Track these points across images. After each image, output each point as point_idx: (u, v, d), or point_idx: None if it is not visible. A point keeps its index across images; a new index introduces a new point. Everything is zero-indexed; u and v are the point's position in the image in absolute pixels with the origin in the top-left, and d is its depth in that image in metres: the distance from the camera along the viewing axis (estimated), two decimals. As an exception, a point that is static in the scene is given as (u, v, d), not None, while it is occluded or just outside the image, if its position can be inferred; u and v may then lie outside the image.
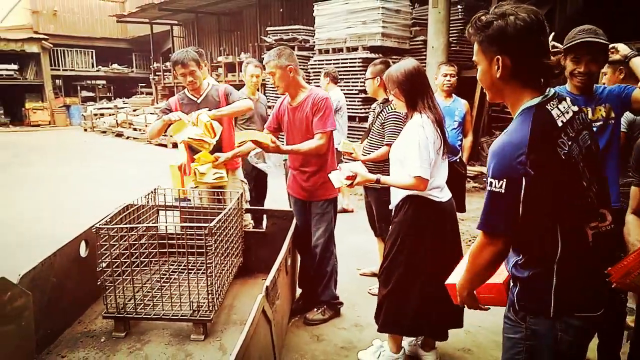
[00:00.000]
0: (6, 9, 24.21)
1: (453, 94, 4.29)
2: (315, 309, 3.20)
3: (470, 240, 5.01)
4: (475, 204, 6.12)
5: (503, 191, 1.36)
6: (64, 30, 22.05)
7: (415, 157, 2.30)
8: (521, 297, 1.48)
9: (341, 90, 8.17)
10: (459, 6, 8.69)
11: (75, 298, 2.66)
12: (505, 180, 1.36)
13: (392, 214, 2.61)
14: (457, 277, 1.74)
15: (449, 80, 4.16)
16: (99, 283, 2.45)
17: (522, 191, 1.33)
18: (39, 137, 16.33)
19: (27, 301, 2.18)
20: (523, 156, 1.33)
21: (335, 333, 3.07)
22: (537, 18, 1.37)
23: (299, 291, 3.44)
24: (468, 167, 4.95)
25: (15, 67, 20.51)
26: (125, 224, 2.69)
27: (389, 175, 2.57)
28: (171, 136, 3.30)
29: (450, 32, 7.66)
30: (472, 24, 1.45)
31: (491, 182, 1.39)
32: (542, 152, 1.34)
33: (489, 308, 1.72)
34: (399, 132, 2.67)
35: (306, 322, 3.15)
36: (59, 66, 21.89)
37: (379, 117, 3.39)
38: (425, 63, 7.72)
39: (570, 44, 2.27)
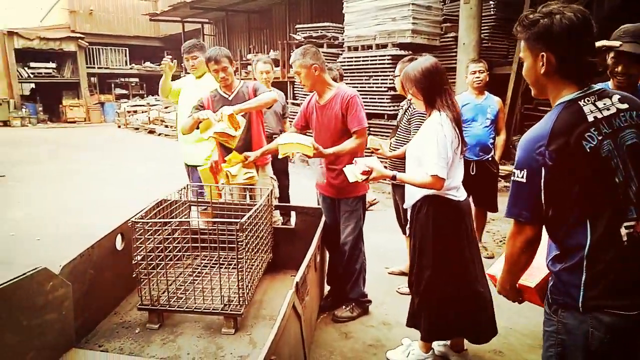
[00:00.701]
0: (46, 10, 25.06)
1: (485, 91, 4.22)
2: (344, 307, 3.21)
3: (501, 241, 4.93)
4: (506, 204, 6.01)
5: (524, 181, 1.46)
6: (99, 29, 22.68)
7: (433, 155, 2.28)
8: (553, 291, 1.54)
9: (369, 87, 8.20)
10: (491, 2, 8.53)
11: (111, 290, 2.74)
12: (526, 170, 1.46)
13: (409, 213, 2.60)
14: (497, 267, 1.82)
15: (478, 77, 4.11)
16: (134, 275, 2.52)
17: (542, 181, 1.43)
18: (75, 133, 16.86)
19: (67, 291, 2.27)
20: (542, 147, 1.42)
21: (364, 331, 3.08)
22: (584, 17, 1.43)
23: (327, 288, 3.46)
24: (500, 166, 4.86)
25: (54, 65, 21.24)
26: (159, 218, 2.76)
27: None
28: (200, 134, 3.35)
29: (482, 28, 7.53)
30: (520, 22, 1.52)
31: (514, 172, 1.51)
32: (563, 145, 1.40)
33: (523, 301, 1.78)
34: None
35: (334, 319, 3.17)
36: (94, 64, 22.54)
37: (406, 113, 3.43)
38: (456, 60, 7.63)
39: (612, 46, 2.23)
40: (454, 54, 7.93)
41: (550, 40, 1.45)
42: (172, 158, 3.72)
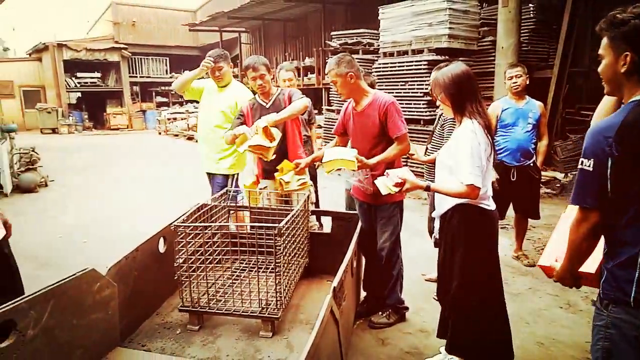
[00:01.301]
0: (92, 22, 26.15)
1: (526, 95, 4.13)
2: (381, 313, 3.19)
3: (542, 248, 4.79)
4: (547, 211, 5.84)
5: (591, 169, 1.55)
6: (142, 40, 23.52)
7: (468, 164, 2.24)
8: (605, 286, 1.59)
9: (405, 93, 8.15)
10: (530, 5, 8.34)
11: (154, 291, 2.83)
12: (593, 159, 1.54)
13: (439, 222, 2.55)
14: (548, 258, 1.88)
15: (516, 82, 4.03)
16: (175, 278, 2.59)
17: (608, 171, 1.51)
18: (118, 139, 17.48)
19: (113, 292, 2.35)
20: (610, 139, 1.50)
21: (401, 337, 3.05)
22: None
23: (363, 294, 3.45)
24: (542, 172, 4.73)
25: (98, 75, 22.16)
26: (199, 222, 2.83)
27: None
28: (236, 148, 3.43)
29: (521, 31, 7.37)
30: (608, 19, 1.55)
31: (582, 161, 1.58)
32: (630, 138, 1.47)
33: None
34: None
35: (371, 325, 3.15)
36: (136, 73, 23.36)
37: (440, 119, 3.43)
38: (494, 64, 7.49)
39: None
40: (492, 58, 7.79)
41: (637, 41, 1.49)
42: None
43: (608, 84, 1.62)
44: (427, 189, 2.41)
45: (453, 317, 2.51)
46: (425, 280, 3.95)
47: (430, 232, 3.71)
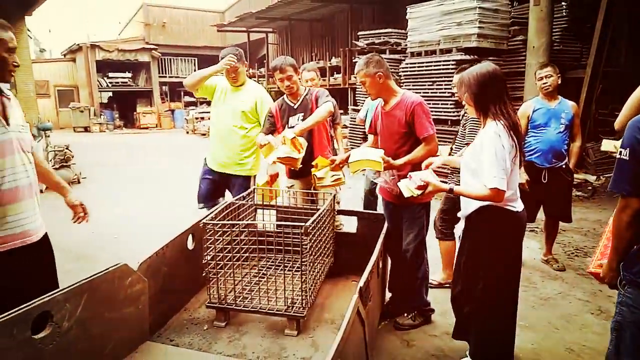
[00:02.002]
0: (124, 23, 26.78)
1: (559, 96, 4.04)
2: (406, 314, 3.17)
3: (572, 253, 4.68)
4: (578, 214, 5.69)
5: (627, 158, 1.68)
6: (171, 41, 23.97)
7: (492, 167, 2.21)
8: (624, 267, 1.75)
9: (432, 93, 8.07)
10: (562, 3, 8.14)
11: (182, 287, 2.88)
12: (629, 149, 1.68)
13: (464, 223, 2.53)
14: (596, 262, 2.02)
15: (546, 83, 3.95)
16: (203, 274, 2.64)
17: None
18: (147, 138, 17.86)
19: (143, 287, 2.41)
20: None
21: (426, 340, 3.03)
22: None
23: (387, 295, 3.44)
24: (574, 175, 4.61)
25: (129, 75, 22.71)
26: (227, 220, 2.87)
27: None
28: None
29: (553, 30, 7.20)
30: None
31: (620, 151, 1.71)
32: None
33: None
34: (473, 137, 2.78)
35: (396, 326, 3.14)
36: (165, 73, 23.83)
37: (462, 119, 3.42)
38: (524, 64, 7.34)
39: None
40: (522, 57, 7.64)
41: None
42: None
43: None
44: (450, 191, 2.39)
45: (478, 321, 2.48)
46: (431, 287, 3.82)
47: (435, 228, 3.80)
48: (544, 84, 3.97)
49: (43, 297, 1.86)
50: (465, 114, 3.44)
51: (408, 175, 2.56)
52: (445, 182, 2.55)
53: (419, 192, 2.43)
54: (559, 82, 3.98)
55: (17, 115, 2.19)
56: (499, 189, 2.19)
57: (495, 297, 2.40)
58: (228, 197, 4.02)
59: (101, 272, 2.15)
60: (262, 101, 3.85)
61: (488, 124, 2.33)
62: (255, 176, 4.00)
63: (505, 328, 2.45)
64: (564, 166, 4.03)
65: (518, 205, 2.40)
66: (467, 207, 2.46)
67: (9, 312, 1.73)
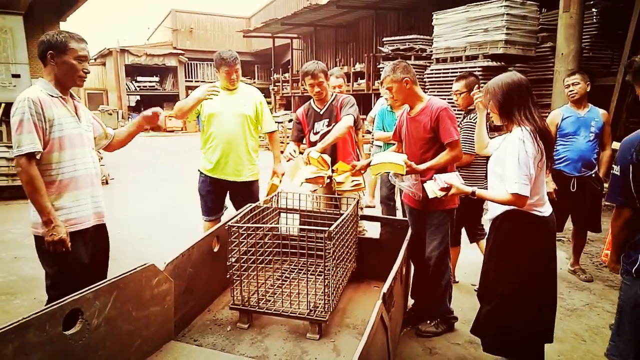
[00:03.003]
0: (152, 29, 27.36)
1: (589, 104, 3.96)
2: (429, 321, 3.15)
3: (600, 263, 4.56)
4: (607, 224, 5.53)
5: (618, 174, 2.03)
6: (198, 46, 24.39)
7: (515, 173, 2.22)
8: (623, 259, 2.10)
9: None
10: (593, 9, 7.98)
11: (206, 288, 2.92)
12: (620, 165, 2.02)
13: (490, 225, 2.54)
14: (604, 253, 2.52)
15: (572, 90, 3.88)
16: (227, 276, 2.67)
17: (631, 175, 1.97)
18: (173, 141, 18.17)
19: (169, 287, 2.45)
20: (633, 149, 1.97)
21: (449, 348, 2.99)
22: None
23: (410, 302, 3.41)
24: (604, 184, 4.51)
25: (157, 79, 23.20)
26: (252, 223, 2.90)
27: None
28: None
29: (583, 37, 7.06)
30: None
31: (613, 167, 2.07)
32: None
33: None
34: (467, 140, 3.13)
35: (418, 333, 3.12)
36: (191, 78, 24.24)
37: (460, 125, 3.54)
38: (552, 71, 7.22)
39: None
40: (550, 64, 7.52)
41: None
42: (269, 167, 3.87)
43: None
44: (473, 195, 2.43)
45: (494, 318, 2.48)
46: (475, 290, 3.85)
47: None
48: (570, 91, 3.90)
49: (73, 295, 1.92)
50: (463, 121, 3.56)
51: (433, 177, 2.59)
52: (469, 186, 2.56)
53: (442, 193, 2.48)
54: (588, 89, 3.90)
55: (86, 115, 2.56)
56: (520, 194, 2.21)
57: (516, 299, 2.39)
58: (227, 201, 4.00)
59: (129, 271, 2.20)
60: (262, 103, 3.86)
61: (514, 130, 2.34)
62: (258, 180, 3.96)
63: (528, 328, 2.42)
64: (593, 175, 3.94)
65: (545, 210, 2.39)
66: (494, 210, 2.48)
67: (43, 308, 1.79)
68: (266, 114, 3.87)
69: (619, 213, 2.08)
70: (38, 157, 2.29)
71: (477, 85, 3.65)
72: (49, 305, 1.82)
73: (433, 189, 2.52)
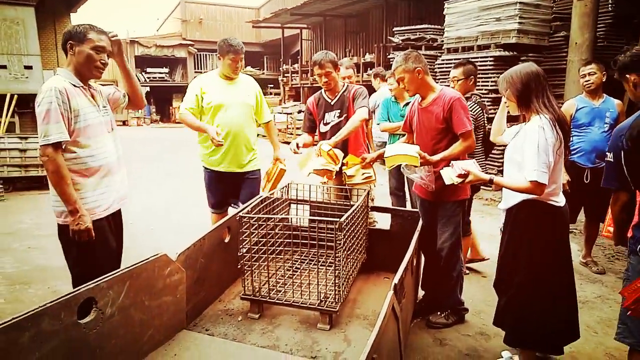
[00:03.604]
0: (162, 20, 27.36)
1: (604, 94, 3.90)
2: (439, 313, 3.14)
3: (612, 256, 4.53)
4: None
5: (612, 160, 2.15)
6: (207, 37, 24.34)
7: (534, 160, 2.21)
8: (630, 240, 2.19)
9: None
10: (609, -3, 7.83)
11: (217, 278, 2.94)
12: (612, 152, 2.15)
13: (505, 215, 2.52)
14: (606, 229, 2.55)
15: (589, 80, 3.82)
16: (238, 267, 2.68)
17: (623, 161, 2.08)
18: (182, 132, 18.20)
19: (181, 277, 2.47)
20: (622, 136, 2.09)
21: (459, 339, 2.99)
22: None
23: (420, 293, 3.41)
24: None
25: (166, 70, 23.22)
26: (263, 214, 2.90)
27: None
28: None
29: (598, 26, 6.93)
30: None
31: (607, 154, 2.21)
32: (634, 135, 2.03)
33: None
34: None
35: (429, 324, 3.12)
36: (201, 69, 24.23)
37: None
38: (566, 60, 7.10)
39: None
40: (563, 54, 7.40)
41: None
42: (266, 157, 3.84)
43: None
44: (490, 182, 2.42)
45: (513, 309, 2.48)
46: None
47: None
48: (586, 81, 3.84)
49: (87, 284, 1.94)
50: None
51: (450, 164, 2.58)
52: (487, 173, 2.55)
53: (460, 180, 2.47)
54: (604, 79, 3.84)
55: (101, 99, 2.60)
56: (539, 182, 2.20)
57: (532, 289, 2.39)
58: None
59: (142, 261, 2.22)
60: (260, 92, 3.85)
61: (532, 119, 2.33)
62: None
63: (543, 318, 2.41)
64: (607, 166, 3.89)
65: (560, 200, 2.39)
66: (509, 200, 2.46)
67: (57, 298, 1.81)
68: (264, 103, 3.86)
69: (617, 197, 2.21)
70: (64, 146, 2.33)
71: (473, 75, 3.73)
72: (63, 295, 1.84)
73: (450, 175, 2.51)
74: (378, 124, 4.69)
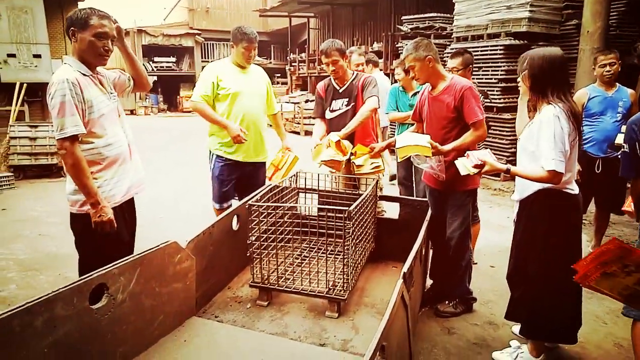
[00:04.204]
0: (169, 9, 27.30)
1: (617, 83, 3.85)
2: (447, 302, 3.15)
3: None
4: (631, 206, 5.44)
5: (628, 151, 2.21)
6: (214, 26, 24.25)
7: (550, 149, 2.19)
8: None
9: (478, 79, 7.85)
10: (623, -16, 7.68)
11: (226, 266, 2.95)
12: (628, 144, 2.22)
13: (519, 205, 2.51)
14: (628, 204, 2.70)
15: (609, 70, 3.75)
16: (247, 255, 2.69)
17: (638, 150, 2.16)
18: (190, 121, 18.24)
19: (191, 264, 2.49)
20: (636, 127, 2.17)
21: (467, 328, 3.00)
22: None
23: (428, 282, 3.41)
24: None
25: (173, 59, 23.17)
26: (271, 203, 2.91)
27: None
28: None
29: (610, 14, 6.82)
30: None
31: (623, 145, 2.25)
32: None
33: None
34: None
35: (437, 313, 3.12)
36: (208, 58, 24.16)
37: None
38: (577, 49, 7.01)
39: None
40: (574, 43, 7.29)
41: None
42: (274, 147, 3.83)
43: None
44: (507, 172, 2.40)
45: (529, 301, 2.47)
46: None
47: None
48: (607, 71, 3.78)
49: (99, 270, 1.96)
50: None
51: (466, 154, 2.55)
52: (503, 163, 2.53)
53: (476, 170, 2.45)
54: (619, 69, 3.79)
55: (109, 85, 2.53)
56: (557, 170, 2.18)
57: (547, 279, 2.39)
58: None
59: (152, 248, 2.24)
60: (269, 83, 3.84)
61: (545, 108, 2.30)
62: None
63: (557, 309, 2.42)
64: (619, 156, 3.85)
65: (575, 188, 2.39)
66: (524, 190, 2.44)
67: (70, 283, 1.83)
68: (273, 94, 3.86)
69: (635, 184, 2.25)
70: (80, 138, 2.30)
71: (471, 64, 3.69)
72: (76, 280, 1.86)
73: (466, 165, 2.49)
74: (387, 113, 4.65)
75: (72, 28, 2.32)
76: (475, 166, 2.44)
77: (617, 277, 1.63)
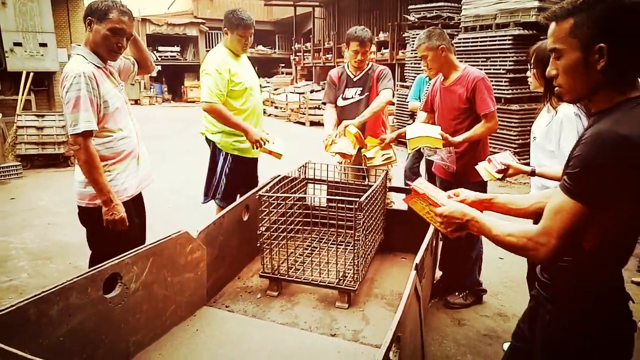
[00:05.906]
0: (173, -3, 27.09)
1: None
2: (457, 293, 3.15)
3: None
4: None
5: None
6: (219, 15, 24.01)
7: None
8: None
9: (486, 69, 7.78)
10: (635, -27, 7.57)
11: (236, 256, 2.96)
12: None
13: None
14: None
15: None
16: (257, 245, 2.70)
17: None
18: (194, 111, 18.20)
19: (202, 254, 2.49)
20: None
21: (477, 320, 3.00)
22: None
23: (438, 274, 3.41)
24: None
25: (178, 49, 23.09)
26: (281, 193, 2.90)
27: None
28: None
29: (623, 3, 6.73)
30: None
31: None
32: None
33: None
34: None
35: (447, 304, 3.13)
36: (212, 48, 24.01)
37: None
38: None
39: None
40: (585, 33, 7.22)
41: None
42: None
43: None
44: (532, 173, 2.29)
45: None
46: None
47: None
48: None
49: (113, 259, 1.96)
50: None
51: (487, 159, 2.48)
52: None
53: (499, 175, 2.35)
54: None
55: (116, 74, 2.49)
56: None
57: None
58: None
59: (164, 238, 2.24)
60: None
61: (561, 106, 2.23)
62: None
63: None
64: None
65: None
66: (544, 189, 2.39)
67: (84, 272, 1.84)
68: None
69: None
70: (94, 134, 2.27)
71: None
72: (89, 270, 1.87)
73: (489, 170, 2.39)
74: (408, 102, 4.63)
75: (89, 17, 2.26)
76: (499, 171, 2.34)
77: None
